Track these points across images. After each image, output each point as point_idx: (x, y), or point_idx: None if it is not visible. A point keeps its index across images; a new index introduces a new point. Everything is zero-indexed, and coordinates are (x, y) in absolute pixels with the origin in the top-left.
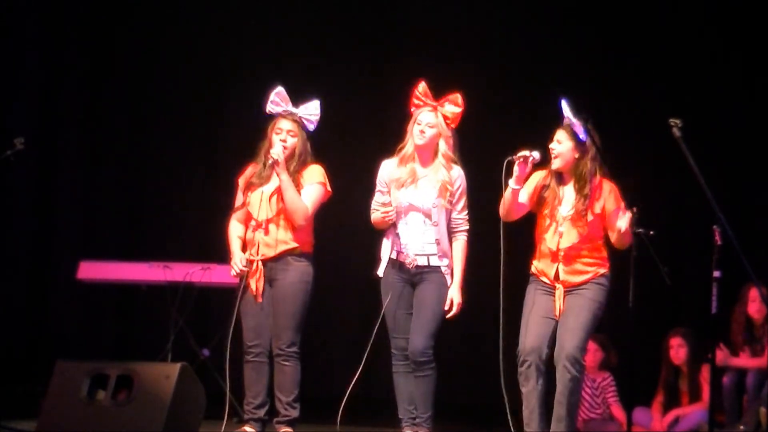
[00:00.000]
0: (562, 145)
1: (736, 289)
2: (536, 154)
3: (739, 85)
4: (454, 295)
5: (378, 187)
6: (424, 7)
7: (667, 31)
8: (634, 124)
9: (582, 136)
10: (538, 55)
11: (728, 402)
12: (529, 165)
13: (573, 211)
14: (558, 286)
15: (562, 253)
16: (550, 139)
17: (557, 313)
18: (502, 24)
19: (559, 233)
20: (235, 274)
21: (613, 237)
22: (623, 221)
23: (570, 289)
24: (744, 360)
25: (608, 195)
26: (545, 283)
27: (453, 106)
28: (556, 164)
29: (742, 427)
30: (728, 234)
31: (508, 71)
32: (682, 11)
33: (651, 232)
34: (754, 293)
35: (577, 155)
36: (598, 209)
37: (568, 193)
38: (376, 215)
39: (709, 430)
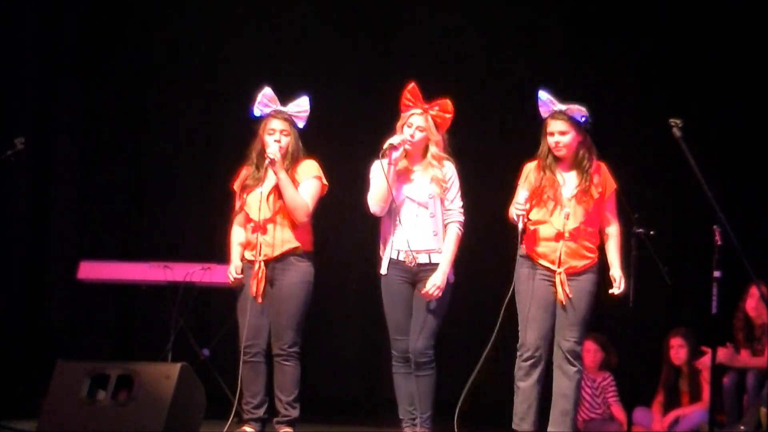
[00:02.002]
0: (567, 135)
1: (736, 289)
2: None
3: (739, 85)
4: (437, 278)
5: (372, 182)
6: (419, 7)
7: (667, 30)
8: (634, 124)
9: (582, 119)
10: (536, 53)
11: (728, 402)
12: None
13: (578, 190)
14: (560, 271)
15: (568, 234)
16: (544, 130)
17: (561, 299)
18: (498, 24)
19: (565, 214)
20: (231, 282)
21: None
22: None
23: (570, 275)
24: (744, 359)
25: (606, 174)
26: (545, 267)
27: (443, 112)
28: (562, 153)
29: (742, 427)
30: (728, 234)
31: (504, 67)
32: (682, 11)
33: (651, 232)
34: (753, 290)
35: (579, 140)
36: (600, 188)
37: (569, 178)
38: (376, 190)
39: (709, 430)
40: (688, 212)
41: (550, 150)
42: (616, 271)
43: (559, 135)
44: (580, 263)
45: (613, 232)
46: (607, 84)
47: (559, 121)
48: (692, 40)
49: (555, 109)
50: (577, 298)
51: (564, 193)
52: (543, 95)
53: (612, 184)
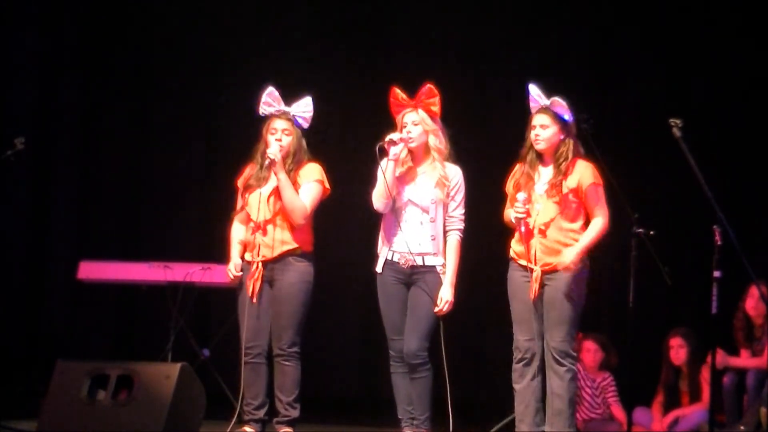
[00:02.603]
0: (548, 129)
1: (736, 289)
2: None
3: (740, 85)
4: (445, 292)
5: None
6: (420, 4)
7: (668, 30)
8: (634, 124)
9: (568, 117)
10: (536, 53)
11: (728, 402)
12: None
13: (547, 186)
14: (535, 268)
15: (539, 231)
16: (529, 124)
17: (533, 296)
18: (498, 22)
19: (536, 211)
20: (230, 280)
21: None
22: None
23: (548, 273)
24: (744, 360)
25: (584, 170)
26: (523, 266)
27: (430, 98)
28: (540, 147)
29: (742, 428)
30: (728, 234)
31: (503, 68)
32: (683, 10)
33: (651, 232)
34: (753, 290)
35: (561, 137)
36: (572, 183)
37: (545, 173)
38: (378, 186)
39: (709, 430)
40: (688, 212)
41: (531, 145)
42: (570, 249)
43: (540, 128)
44: (556, 260)
45: (593, 222)
46: (607, 84)
47: (543, 115)
48: (692, 40)
49: (541, 103)
50: (558, 297)
51: (537, 189)
52: (533, 89)
53: (588, 179)
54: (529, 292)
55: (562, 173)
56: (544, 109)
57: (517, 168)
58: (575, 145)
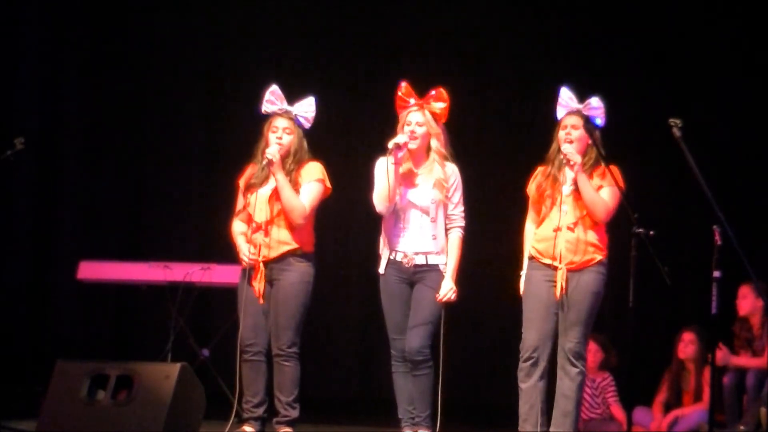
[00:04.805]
0: (579, 130)
1: (736, 289)
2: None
3: (740, 85)
4: (447, 282)
5: (377, 180)
6: (421, 5)
7: (668, 30)
8: (635, 123)
9: (601, 121)
10: (537, 54)
11: (728, 402)
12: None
13: (574, 187)
14: (560, 266)
15: (565, 229)
16: (558, 125)
17: (558, 294)
18: (500, 22)
19: (564, 210)
20: (245, 264)
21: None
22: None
23: (571, 271)
24: (744, 360)
25: (611, 175)
26: (546, 264)
27: (439, 102)
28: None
29: (742, 427)
30: (728, 234)
31: (506, 70)
32: (683, 10)
33: (651, 232)
34: (742, 290)
35: (590, 141)
36: (597, 183)
37: (570, 174)
38: (380, 189)
39: (708, 430)
40: (688, 212)
41: (559, 147)
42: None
43: (572, 128)
44: (580, 258)
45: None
46: (607, 84)
47: (575, 116)
48: (693, 40)
49: (573, 107)
50: (578, 298)
51: (564, 190)
52: (564, 92)
53: (611, 182)
54: (554, 291)
55: (589, 175)
56: (576, 112)
57: (540, 170)
58: (601, 148)
